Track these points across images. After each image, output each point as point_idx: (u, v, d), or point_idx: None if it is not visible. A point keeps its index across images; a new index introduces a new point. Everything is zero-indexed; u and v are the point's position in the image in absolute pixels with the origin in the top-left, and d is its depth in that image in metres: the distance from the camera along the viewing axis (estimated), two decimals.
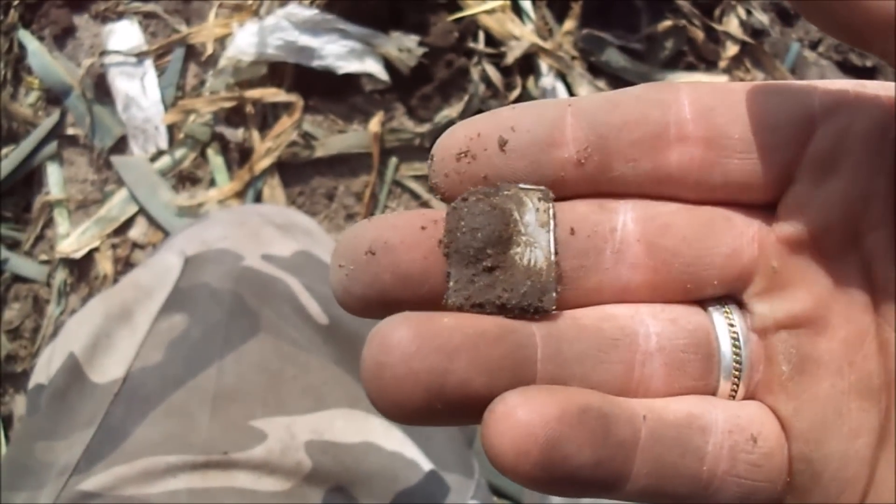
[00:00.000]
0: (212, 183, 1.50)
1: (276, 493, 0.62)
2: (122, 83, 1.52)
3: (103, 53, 1.52)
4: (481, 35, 1.46)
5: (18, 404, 1.49)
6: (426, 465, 0.70)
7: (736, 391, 0.30)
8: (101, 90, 1.54)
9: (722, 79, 1.43)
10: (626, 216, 0.29)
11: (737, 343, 0.30)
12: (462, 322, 0.27)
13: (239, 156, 1.49)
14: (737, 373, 0.30)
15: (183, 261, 0.72)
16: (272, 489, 0.62)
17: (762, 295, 0.30)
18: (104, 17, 1.57)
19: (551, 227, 0.29)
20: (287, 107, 1.45)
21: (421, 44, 1.42)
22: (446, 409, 0.27)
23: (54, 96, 1.56)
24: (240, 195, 1.45)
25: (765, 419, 0.29)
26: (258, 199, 1.45)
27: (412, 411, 0.27)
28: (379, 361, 0.26)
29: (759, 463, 0.29)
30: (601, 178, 0.29)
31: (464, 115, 1.41)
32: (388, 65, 1.43)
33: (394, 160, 1.46)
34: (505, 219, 0.28)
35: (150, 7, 1.56)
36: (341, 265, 0.28)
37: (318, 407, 0.67)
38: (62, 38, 1.58)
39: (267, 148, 1.44)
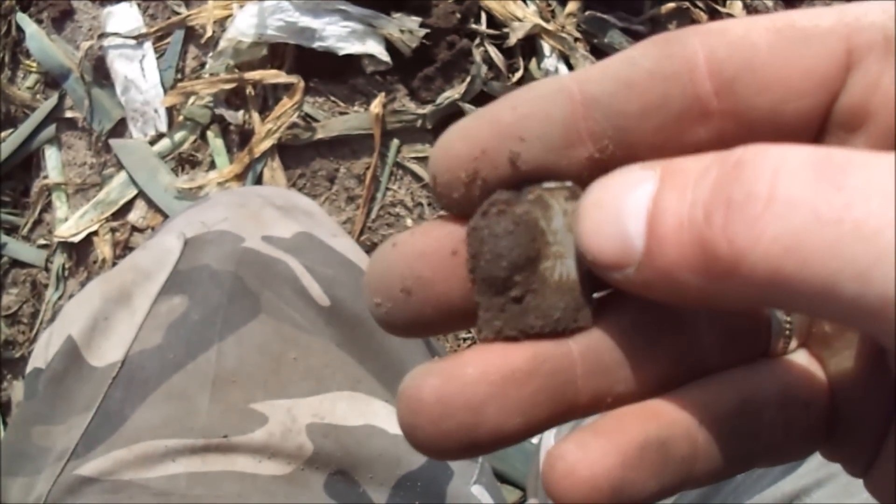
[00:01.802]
0: (212, 165, 1.50)
1: (277, 478, 0.62)
2: (121, 66, 1.52)
3: (102, 36, 1.52)
4: (483, 16, 1.46)
5: (17, 390, 1.50)
6: None
7: (786, 347, 0.29)
8: (99, 73, 1.54)
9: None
10: None
11: None
12: (488, 368, 0.26)
13: (239, 138, 1.49)
14: (788, 331, 0.29)
15: (182, 243, 0.71)
16: (273, 473, 0.62)
17: None
18: (103, 0, 1.57)
19: None
20: (287, 88, 1.45)
21: (422, 25, 1.41)
22: (486, 449, 0.26)
23: (53, 79, 1.57)
24: (240, 178, 1.45)
25: (815, 379, 0.29)
26: (258, 181, 1.45)
27: (451, 457, 0.27)
28: (410, 423, 0.26)
29: (813, 425, 0.29)
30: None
31: (465, 96, 1.41)
32: (390, 46, 1.43)
33: (395, 142, 1.46)
34: (530, 234, 0.26)
35: None
36: (378, 303, 0.27)
37: (320, 390, 0.66)
38: (60, 20, 1.58)
39: (267, 130, 1.44)
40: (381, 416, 0.68)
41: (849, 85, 0.25)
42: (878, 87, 0.25)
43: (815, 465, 0.61)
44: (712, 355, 0.28)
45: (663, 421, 0.26)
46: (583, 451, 0.25)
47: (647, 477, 0.26)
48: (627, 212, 0.24)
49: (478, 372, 0.26)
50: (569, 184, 0.26)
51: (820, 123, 0.26)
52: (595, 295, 0.28)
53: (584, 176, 0.26)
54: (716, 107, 0.25)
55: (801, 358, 0.29)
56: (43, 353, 0.69)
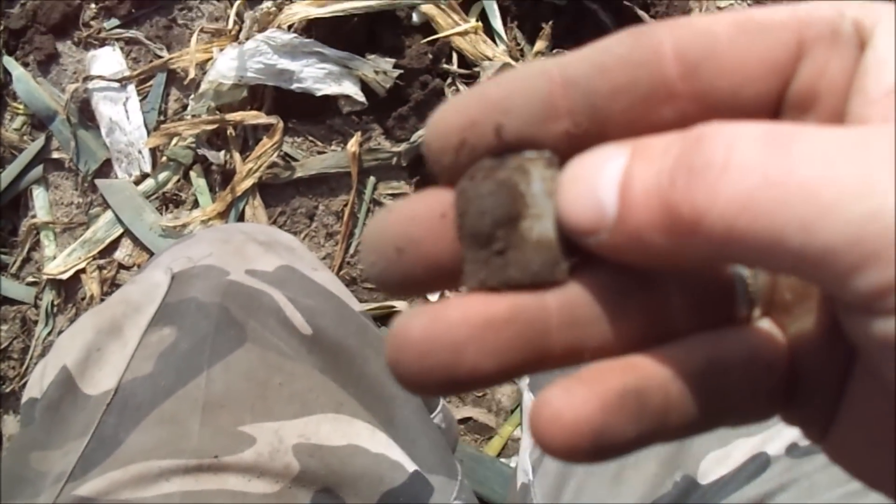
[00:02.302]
0: (195, 204, 1.51)
1: (266, 495, 0.63)
2: (106, 108, 1.53)
3: (87, 79, 1.53)
4: (455, 56, 1.48)
5: (8, 424, 1.50)
6: (410, 467, 0.71)
7: (751, 315, 0.31)
8: (85, 115, 1.55)
9: None
10: None
11: (747, 275, 0.30)
12: (470, 312, 0.27)
13: (221, 177, 1.50)
14: (751, 299, 0.31)
15: (170, 277, 0.72)
16: (262, 491, 0.63)
17: None
18: (87, 44, 1.58)
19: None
20: (267, 129, 1.47)
21: (396, 66, 1.43)
22: (463, 388, 0.28)
23: (39, 121, 1.58)
24: (222, 216, 1.46)
25: (777, 343, 0.30)
26: (240, 219, 1.46)
27: (431, 393, 0.29)
28: (396, 358, 0.27)
29: (775, 388, 0.30)
30: (597, 143, 0.28)
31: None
32: (365, 87, 1.44)
33: (372, 179, 1.47)
34: (512, 195, 0.28)
35: (131, 33, 1.57)
36: (373, 262, 0.29)
37: (305, 412, 0.68)
38: (46, 64, 1.59)
39: (248, 169, 1.45)
40: (364, 437, 0.69)
41: (800, 71, 0.27)
42: (825, 74, 0.27)
43: (780, 470, 0.62)
44: (682, 319, 0.30)
45: (640, 373, 0.28)
46: (568, 396, 0.27)
47: (625, 423, 0.27)
48: (601, 183, 0.26)
49: (460, 315, 0.27)
50: (547, 154, 0.28)
51: (775, 106, 0.28)
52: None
53: (561, 147, 0.28)
54: (680, 89, 0.27)
55: (763, 325, 0.31)
56: (38, 383, 0.70)
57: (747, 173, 0.23)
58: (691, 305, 0.30)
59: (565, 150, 0.28)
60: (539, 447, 0.27)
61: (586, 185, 0.27)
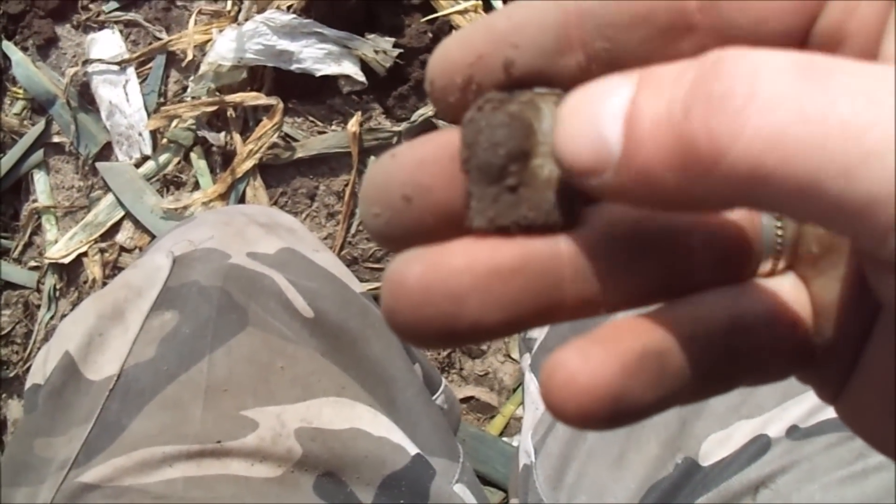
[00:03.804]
0: (196, 186, 1.51)
1: (268, 480, 0.64)
2: (106, 91, 1.53)
3: (86, 62, 1.53)
4: None
5: (12, 409, 1.50)
6: (412, 450, 0.71)
7: (776, 269, 0.29)
8: (85, 98, 1.55)
9: None
10: None
11: (778, 224, 0.29)
12: (474, 260, 0.25)
13: (221, 159, 1.50)
14: (778, 251, 0.29)
15: (171, 261, 0.73)
16: (265, 475, 0.64)
17: None
18: (86, 27, 1.58)
19: None
20: (267, 110, 1.47)
21: (396, 45, 1.43)
22: (464, 340, 0.26)
23: (39, 105, 1.58)
24: (223, 197, 1.46)
25: (801, 300, 0.29)
26: (241, 200, 1.46)
27: (429, 344, 0.26)
28: (391, 306, 0.25)
29: (798, 346, 0.28)
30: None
31: (439, 113, 1.42)
32: (365, 66, 1.44)
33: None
34: (525, 130, 0.26)
35: (130, 16, 1.57)
36: (377, 213, 0.27)
37: (307, 396, 0.68)
38: (45, 48, 1.59)
39: (248, 150, 1.45)
40: (366, 420, 0.69)
41: (828, 8, 0.25)
42: (856, 12, 0.25)
43: (780, 452, 0.62)
44: (703, 273, 0.28)
45: (660, 333, 0.26)
46: (583, 358, 0.25)
47: (645, 387, 0.25)
48: (604, 116, 0.23)
49: (463, 263, 0.25)
50: (558, 90, 0.26)
51: (799, 45, 0.25)
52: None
53: (573, 84, 0.25)
54: (700, 22, 0.25)
55: (788, 280, 0.29)
56: (41, 369, 0.70)
57: (778, 104, 0.20)
58: (713, 258, 0.28)
59: (576, 86, 0.25)
60: (550, 413, 0.25)
61: (587, 119, 0.24)
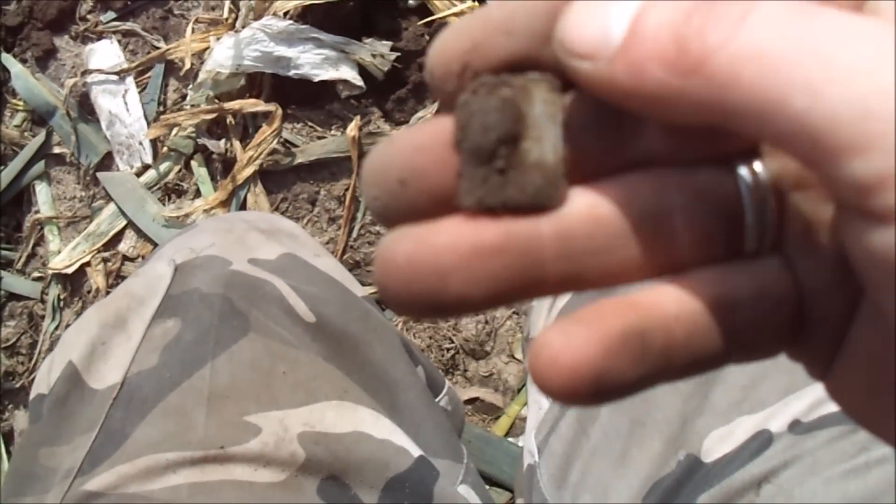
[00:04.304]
0: (197, 194, 1.51)
1: (272, 484, 0.64)
2: (105, 101, 1.54)
3: (85, 73, 1.54)
4: None
5: (18, 420, 1.50)
6: (415, 452, 0.71)
7: (762, 249, 0.29)
8: (84, 109, 1.56)
9: None
10: None
11: (762, 204, 0.29)
12: (458, 239, 0.26)
13: (222, 166, 1.51)
14: (762, 232, 0.29)
15: (173, 269, 0.73)
16: (268, 480, 0.64)
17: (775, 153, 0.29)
18: (84, 38, 1.58)
19: (559, 120, 0.27)
20: (266, 116, 1.47)
21: (393, 49, 1.43)
22: (450, 313, 0.27)
23: (39, 117, 1.58)
24: (224, 204, 1.46)
25: (786, 279, 0.29)
26: (242, 207, 1.47)
27: (418, 315, 0.28)
28: (382, 282, 0.27)
29: (783, 324, 0.29)
30: None
31: (438, 115, 1.43)
32: (363, 71, 1.44)
33: None
34: (515, 114, 0.27)
35: (128, 26, 1.57)
36: (375, 196, 0.28)
37: (309, 400, 0.68)
38: (44, 59, 1.59)
39: (249, 157, 1.45)
40: (368, 423, 0.70)
41: None
42: None
43: (782, 447, 0.62)
44: (687, 252, 0.29)
45: (642, 313, 0.27)
46: (566, 338, 0.26)
47: (627, 366, 0.26)
48: (614, 11, 0.25)
49: (448, 241, 0.26)
50: (550, 76, 0.27)
51: None
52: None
53: (559, 65, 0.27)
54: None
55: (774, 260, 0.29)
56: (45, 379, 0.70)
57: (766, 24, 0.23)
58: (697, 237, 0.29)
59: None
60: (538, 389, 0.26)
61: (598, 11, 0.25)
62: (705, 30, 0.23)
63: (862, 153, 0.21)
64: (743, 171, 0.29)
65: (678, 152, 0.29)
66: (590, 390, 0.26)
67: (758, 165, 0.29)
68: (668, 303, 0.27)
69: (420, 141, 0.28)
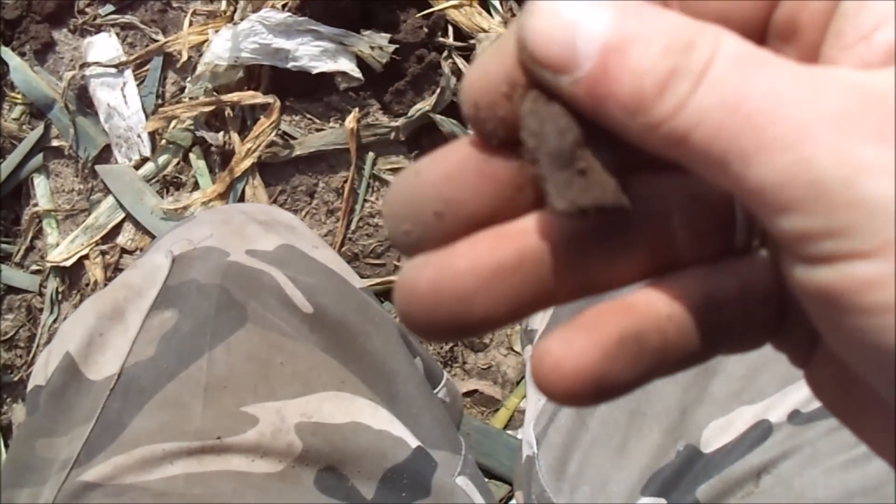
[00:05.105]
0: (195, 186, 1.51)
1: (269, 475, 0.64)
2: (104, 94, 1.53)
3: (84, 66, 1.53)
4: (450, 29, 1.48)
5: (17, 413, 1.50)
6: (413, 442, 0.71)
7: (750, 246, 0.31)
8: (83, 102, 1.55)
9: None
10: None
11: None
12: (477, 262, 0.27)
13: (220, 158, 1.50)
14: (750, 229, 0.31)
15: (170, 260, 0.73)
16: (266, 471, 0.64)
17: None
18: (83, 31, 1.58)
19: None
20: (264, 108, 1.47)
21: (392, 41, 1.43)
22: (474, 333, 0.28)
23: (38, 110, 1.58)
24: (223, 196, 1.46)
25: (772, 274, 0.30)
26: (241, 199, 1.46)
27: (444, 340, 0.30)
28: (406, 311, 0.27)
29: (769, 317, 0.30)
30: None
31: (436, 107, 1.43)
32: (361, 63, 1.44)
33: (371, 155, 1.47)
34: (578, 118, 0.27)
35: (127, 19, 1.57)
36: (407, 230, 0.28)
37: (307, 391, 0.68)
38: (43, 52, 1.59)
39: (247, 149, 1.45)
40: (366, 414, 0.70)
41: (783, 2, 0.28)
42: (807, 7, 0.27)
43: (782, 438, 0.62)
44: (684, 251, 0.30)
45: (636, 316, 0.28)
46: (567, 346, 0.27)
47: (624, 368, 0.27)
48: (582, 32, 0.25)
49: (468, 265, 0.27)
50: None
51: (760, 32, 0.28)
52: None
53: None
54: (674, 4, 0.27)
55: (761, 256, 0.31)
56: (42, 370, 0.70)
57: (713, 90, 0.24)
58: (694, 237, 0.30)
59: None
60: (542, 394, 0.27)
61: (564, 25, 0.25)
62: (665, 92, 0.24)
63: (786, 214, 0.24)
64: None
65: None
66: (591, 393, 0.27)
67: None
68: (661, 303, 0.29)
69: (450, 171, 0.28)
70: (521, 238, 0.28)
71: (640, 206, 0.29)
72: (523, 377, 1.42)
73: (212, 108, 1.48)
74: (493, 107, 0.28)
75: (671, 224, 0.30)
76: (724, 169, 0.24)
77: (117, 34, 1.57)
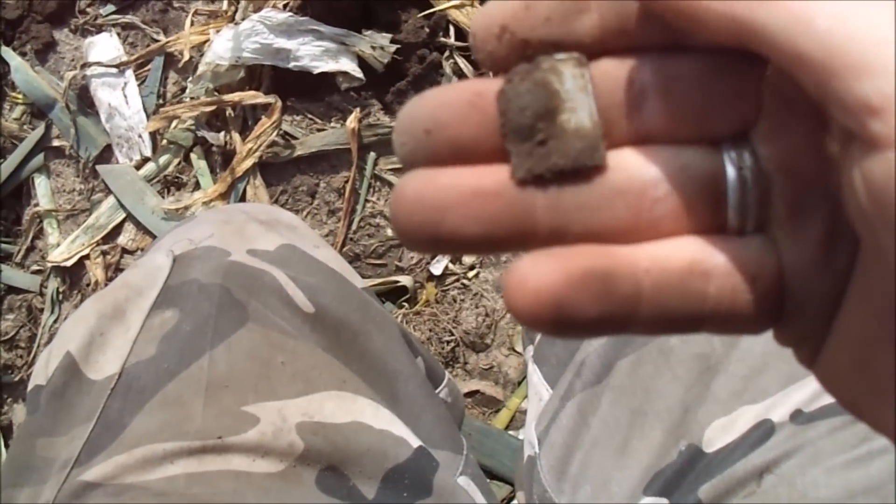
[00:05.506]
0: (196, 186, 1.51)
1: (270, 475, 0.64)
2: (105, 94, 1.54)
3: (85, 66, 1.54)
4: (451, 29, 1.48)
5: (17, 413, 1.51)
6: (415, 442, 0.71)
7: (744, 227, 0.31)
8: (84, 102, 1.56)
9: None
10: (644, 68, 0.31)
11: (744, 184, 0.31)
12: (460, 181, 0.29)
13: (221, 158, 1.51)
14: (743, 212, 0.31)
15: (171, 260, 0.73)
16: (267, 470, 0.64)
17: (766, 136, 0.30)
18: (84, 31, 1.59)
19: (589, 90, 0.30)
20: (266, 108, 1.47)
21: (393, 41, 1.43)
22: (447, 248, 0.30)
23: (39, 110, 1.58)
24: (224, 196, 1.46)
25: (766, 256, 0.30)
26: (242, 199, 1.47)
27: (420, 248, 0.30)
28: (393, 214, 0.29)
29: (761, 300, 0.30)
30: (622, 41, 0.30)
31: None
32: (363, 63, 1.44)
33: (372, 155, 1.47)
34: (548, 92, 0.30)
35: (128, 18, 1.57)
36: (403, 143, 0.30)
37: (308, 391, 0.68)
38: (44, 52, 1.59)
39: (248, 149, 1.45)
40: (367, 413, 0.69)
41: None
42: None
43: (784, 437, 0.62)
44: (668, 222, 0.31)
45: (612, 258, 0.29)
46: (534, 266, 0.28)
47: (587, 301, 0.28)
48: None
49: (450, 181, 0.29)
50: (576, 55, 0.30)
51: None
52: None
53: (588, 47, 0.30)
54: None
55: (756, 240, 0.31)
56: (43, 370, 0.70)
57: None
58: (679, 208, 0.31)
59: (593, 45, 0.30)
60: (508, 312, 0.29)
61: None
62: None
63: (873, 75, 0.23)
64: (730, 152, 0.31)
65: (673, 132, 0.31)
66: (551, 317, 0.28)
67: (745, 150, 0.31)
68: (642, 257, 0.30)
69: (445, 97, 0.30)
70: (504, 173, 0.30)
71: (626, 168, 0.30)
72: (525, 378, 1.42)
73: (213, 108, 1.48)
74: (485, 40, 0.31)
75: (656, 192, 0.31)
76: (808, 26, 0.24)
77: (118, 34, 1.58)
